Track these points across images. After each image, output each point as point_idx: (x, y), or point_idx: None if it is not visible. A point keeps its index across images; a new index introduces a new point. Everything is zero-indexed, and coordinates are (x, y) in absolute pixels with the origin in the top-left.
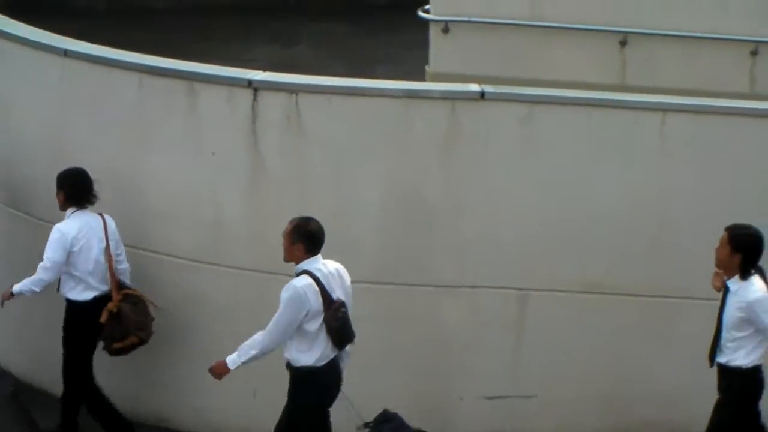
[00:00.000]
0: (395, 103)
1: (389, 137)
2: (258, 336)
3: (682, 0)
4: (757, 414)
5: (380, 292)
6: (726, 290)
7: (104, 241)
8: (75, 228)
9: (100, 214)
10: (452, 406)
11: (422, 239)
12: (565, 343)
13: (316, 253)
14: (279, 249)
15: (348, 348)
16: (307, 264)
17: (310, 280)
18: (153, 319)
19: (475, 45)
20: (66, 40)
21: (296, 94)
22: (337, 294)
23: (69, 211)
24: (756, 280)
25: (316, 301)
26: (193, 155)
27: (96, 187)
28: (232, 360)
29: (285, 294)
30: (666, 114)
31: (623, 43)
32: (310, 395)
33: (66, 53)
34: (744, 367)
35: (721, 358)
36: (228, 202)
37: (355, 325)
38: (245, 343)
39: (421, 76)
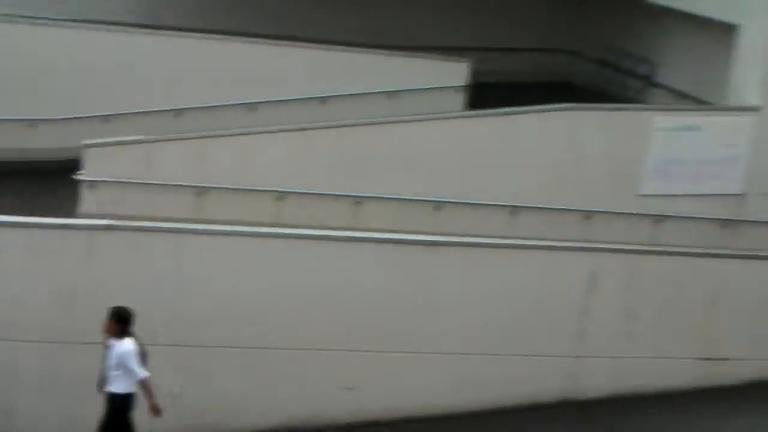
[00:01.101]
0: None
1: None
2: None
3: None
4: (129, 423)
5: None
6: (110, 347)
7: None
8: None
9: None
10: None
11: None
12: None
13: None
14: None
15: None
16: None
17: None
18: None
19: None
20: None
21: None
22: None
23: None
24: (128, 341)
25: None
26: None
27: None
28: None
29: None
30: None
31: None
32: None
33: None
34: (120, 392)
35: (109, 388)
36: None
37: None
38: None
39: None
